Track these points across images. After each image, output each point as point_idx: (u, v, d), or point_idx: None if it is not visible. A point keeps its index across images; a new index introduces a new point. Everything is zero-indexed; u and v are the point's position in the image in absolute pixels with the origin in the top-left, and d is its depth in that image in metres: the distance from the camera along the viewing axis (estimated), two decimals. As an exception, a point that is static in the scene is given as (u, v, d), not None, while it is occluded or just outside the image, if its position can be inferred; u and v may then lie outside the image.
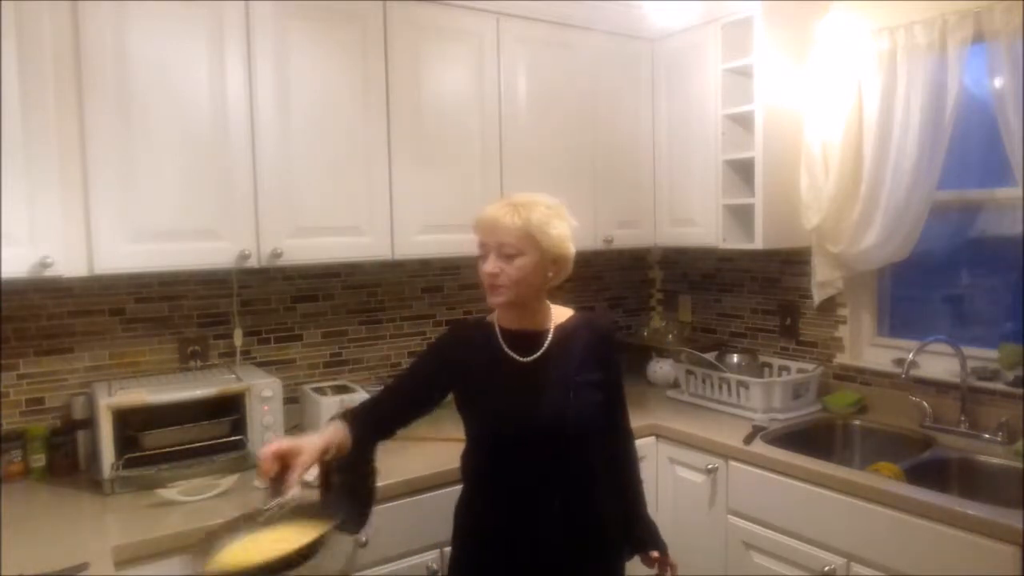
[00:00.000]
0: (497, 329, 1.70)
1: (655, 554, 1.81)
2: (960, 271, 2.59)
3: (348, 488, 1.56)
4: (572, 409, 1.64)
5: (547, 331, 1.69)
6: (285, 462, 1.40)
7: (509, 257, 1.58)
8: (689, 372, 2.85)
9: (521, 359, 1.66)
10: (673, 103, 2.92)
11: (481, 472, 1.72)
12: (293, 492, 1.39)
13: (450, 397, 1.74)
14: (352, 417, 1.60)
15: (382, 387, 1.81)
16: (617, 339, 1.86)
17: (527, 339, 1.68)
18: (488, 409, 1.68)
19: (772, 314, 3.00)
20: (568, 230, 1.65)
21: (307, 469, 1.43)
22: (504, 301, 1.62)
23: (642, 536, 1.82)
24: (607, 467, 1.77)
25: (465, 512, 1.75)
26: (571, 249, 1.65)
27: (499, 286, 1.60)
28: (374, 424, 1.66)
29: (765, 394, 2.57)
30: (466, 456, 1.76)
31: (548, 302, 1.74)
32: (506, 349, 1.67)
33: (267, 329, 2.53)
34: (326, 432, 1.52)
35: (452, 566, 1.77)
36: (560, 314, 1.76)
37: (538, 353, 1.67)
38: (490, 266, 1.59)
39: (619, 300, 3.42)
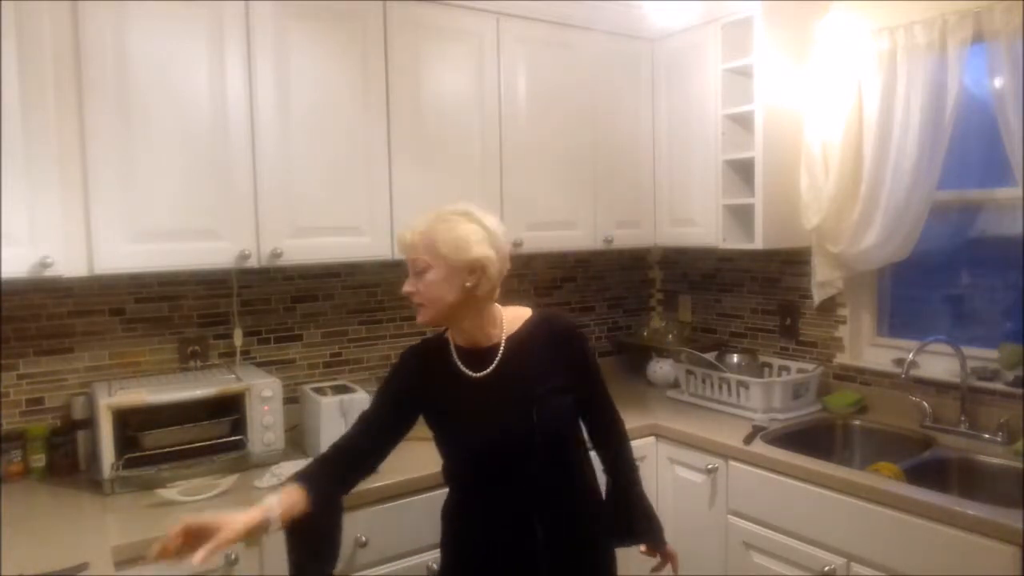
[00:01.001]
0: (452, 346, 1.65)
1: (643, 548, 1.77)
2: (960, 271, 2.58)
3: (313, 549, 1.54)
4: (538, 423, 1.58)
5: (497, 344, 1.63)
6: (201, 535, 1.32)
7: (420, 273, 1.54)
8: (689, 372, 2.85)
9: (474, 375, 1.61)
10: (673, 103, 2.92)
11: (461, 484, 1.71)
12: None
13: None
14: (307, 478, 1.53)
15: (340, 438, 1.68)
16: (580, 331, 1.76)
17: (479, 354, 1.63)
18: (454, 429, 1.64)
19: (772, 314, 3.00)
20: (477, 233, 1.54)
21: (226, 546, 1.34)
22: (427, 320, 1.57)
23: (636, 526, 1.76)
24: (602, 464, 1.78)
25: (452, 519, 1.74)
26: (482, 251, 1.53)
27: (417, 304, 1.56)
28: (338, 477, 1.60)
29: (765, 394, 2.57)
30: (445, 468, 1.74)
31: (497, 309, 1.66)
32: (461, 366, 1.62)
33: (267, 329, 2.53)
34: (265, 505, 1.43)
35: (442, 571, 1.77)
36: (514, 320, 1.67)
37: (489, 369, 1.61)
38: (406, 286, 1.57)
39: (619, 300, 3.42)
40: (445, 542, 1.75)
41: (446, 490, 2.06)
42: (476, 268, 1.53)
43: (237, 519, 1.37)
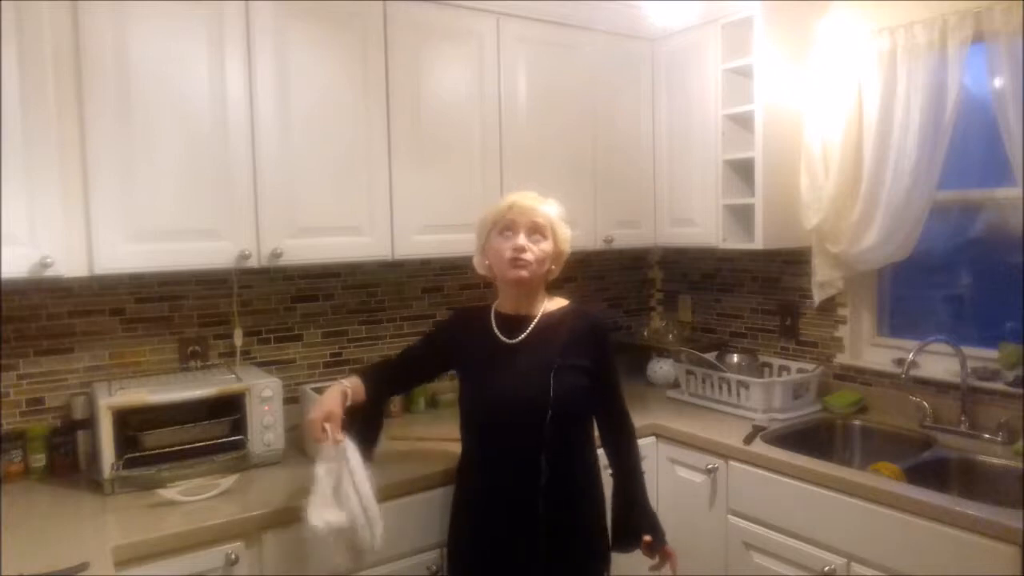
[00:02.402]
0: (493, 313, 1.87)
1: (647, 538, 1.85)
2: (960, 271, 2.59)
3: (360, 430, 1.84)
4: (552, 390, 1.74)
5: (535, 316, 1.84)
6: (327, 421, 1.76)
7: (535, 237, 1.78)
8: (689, 372, 2.85)
9: (507, 340, 1.82)
10: (673, 103, 2.92)
11: (478, 436, 1.86)
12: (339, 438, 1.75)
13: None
14: (366, 375, 1.92)
15: (390, 358, 2.10)
16: (607, 327, 1.97)
17: (517, 322, 1.84)
18: (475, 386, 1.84)
19: (772, 314, 3.00)
20: (569, 234, 1.87)
21: (340, 420, 1.79)
22: (526, 276, 1.77)
23: (637, 524, 1.87)
24: (609, 461, 1.90)
25: (461, 471, 1.91)
26: (568, 247, 1.87)
27: (525, 261, 1.76)
28: (386, 383, 1.97)
29: (765, 394, 2.57)
30: (464, 423, 1.89)
31: (545, 293, 1.90)
32: (496, 331, 1.84)
33: (267, 329, 2.53)
34: (343, 385, 1.84)
35: (449, 534, 1.93)
36: (554, 304, 1.90)
37: (522, 335, 1.82)
38: (522, 240, 1.77)
39: (619, 300, 3.42)
40: (455, 498, 1.92)
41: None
42: (560, 258, 1.86)
43: (335, 397, 1.80)
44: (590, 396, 1.83)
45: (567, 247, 1.86)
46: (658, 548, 1.86)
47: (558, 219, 1.83)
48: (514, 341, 1.81)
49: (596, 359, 1.83)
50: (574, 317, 1.87)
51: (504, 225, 1.80)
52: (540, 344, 1.80)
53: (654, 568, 1.89)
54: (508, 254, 1.77)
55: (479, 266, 1.90)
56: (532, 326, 1.82)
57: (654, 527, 1.88)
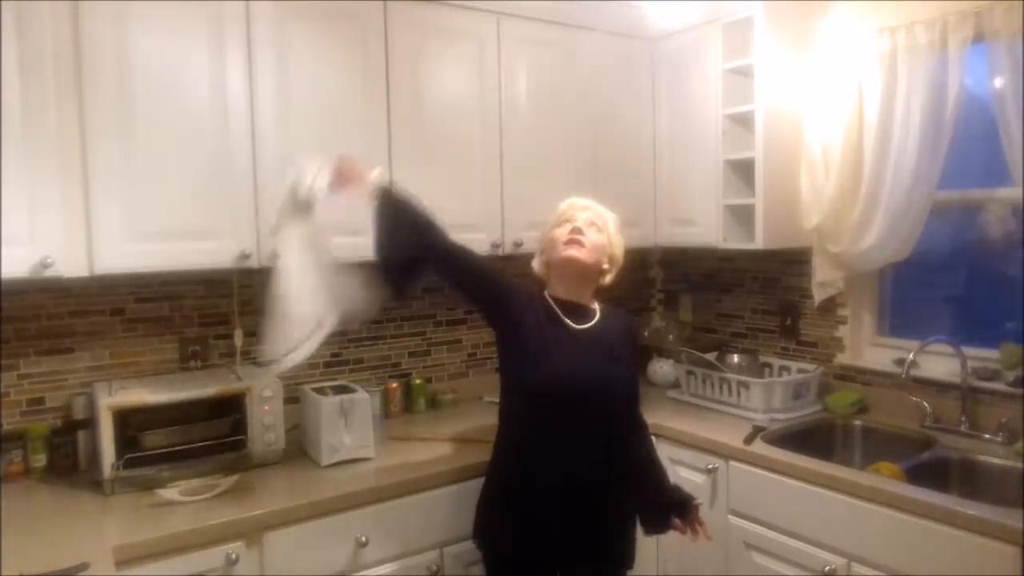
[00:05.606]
0: (550, 299, 1.92)
1: (698, 501, 1.97)
2: (960, 271, 2.58)
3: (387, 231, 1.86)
4: (617, 375, 1.90)
5: (595, 308, 1.95)
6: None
7: (593, 231, 1.88)
8: (689, 372, 2.85)
9: (576, 326, 1.89)
10: (673, 103, 2.92)
11: (529, 420, 1.87)
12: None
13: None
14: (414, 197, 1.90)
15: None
16: (637, 331, 2.12)
17: (577, 309, 1.92)
18: (546, 363, 1.84)
19: (772, 314, 3.00)
20: (623, 248, 1.98)
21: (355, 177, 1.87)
22: (579, 256, 1.85)
23: (669, 504, 1.96)
24: (631, 438, 1.96)
25: (506, 460, 1.91)
26: (620, 258, 1.96)
27: (581, 242, 1.85)
28: (435, 220, 1.89)
29: (765, 394, 2.57)
30: (511, 405, 1.91)
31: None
32: (561, 315, 1.89)
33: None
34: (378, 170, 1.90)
35: (491, 516, 1.91)
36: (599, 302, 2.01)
37: (591, 323, 1.91)
38: (580, 224, 1.87)
39: (619, 300, 3.40)
40: (499, 480, 1.92)
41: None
42: (614, 261, 1.95)
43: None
44: (633, 386, 2.00)
45: (621, 252, 1.96)
46: (691, 522, 1.95)
47: (616, 223, 1.95)
48: (583, 328, 1.89)
49: (632, 356, 1.98)
50: (617, 315, 2.02)
51: (563, 219, 1.91)
52: (605, 333, 1.92)
53: (694, 539, 1.96)
54: (565, 237, 1.87)
55: (537, 266, 1.99)
56: (597, 319, 1.93)
57: (686, 497, 1.97)
